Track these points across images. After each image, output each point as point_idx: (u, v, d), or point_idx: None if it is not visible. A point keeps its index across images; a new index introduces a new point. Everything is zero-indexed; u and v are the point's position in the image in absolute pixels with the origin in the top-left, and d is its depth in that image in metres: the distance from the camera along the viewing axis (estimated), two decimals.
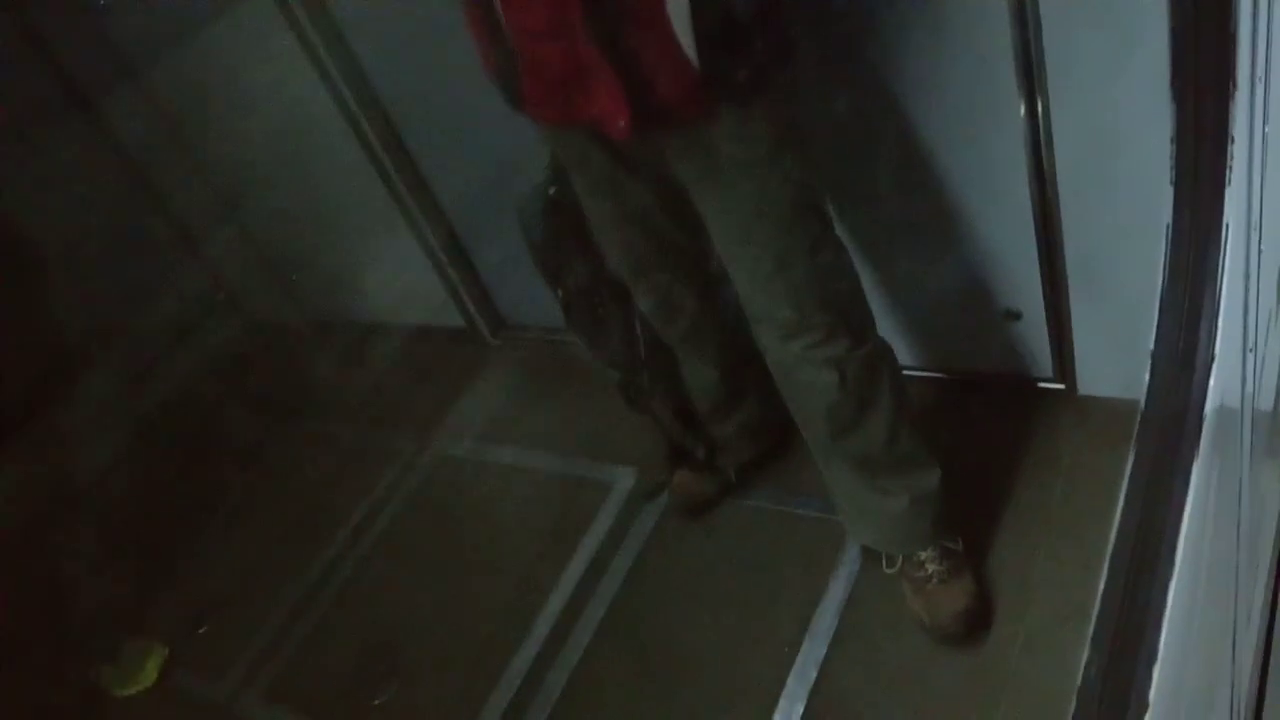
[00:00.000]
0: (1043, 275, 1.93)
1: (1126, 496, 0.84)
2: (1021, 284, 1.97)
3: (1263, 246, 1.02)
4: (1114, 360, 1.96)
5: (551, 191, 1.84)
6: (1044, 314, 1.99)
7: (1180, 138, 0.89)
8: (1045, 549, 1.88)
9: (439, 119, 2.47)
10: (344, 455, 2.84)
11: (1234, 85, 0.85)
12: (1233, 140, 0.87)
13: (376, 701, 2.16)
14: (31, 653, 2.50)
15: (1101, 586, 0.80)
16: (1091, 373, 2.04)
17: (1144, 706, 0.72)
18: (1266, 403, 1.39)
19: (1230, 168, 0.88)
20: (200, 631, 2.52)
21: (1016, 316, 2.03)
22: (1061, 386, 2.10)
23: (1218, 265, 0.90)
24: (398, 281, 2.91)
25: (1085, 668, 0.75)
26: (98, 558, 2.66)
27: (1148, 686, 0.73)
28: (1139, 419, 0.90)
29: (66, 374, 2.73)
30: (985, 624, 1.82)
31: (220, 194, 3.04)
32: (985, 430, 2.13)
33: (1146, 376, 0.93)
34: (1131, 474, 0.86)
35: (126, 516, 2.73)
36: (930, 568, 1.84)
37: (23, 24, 2.75)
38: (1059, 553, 1.86)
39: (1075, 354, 2.03)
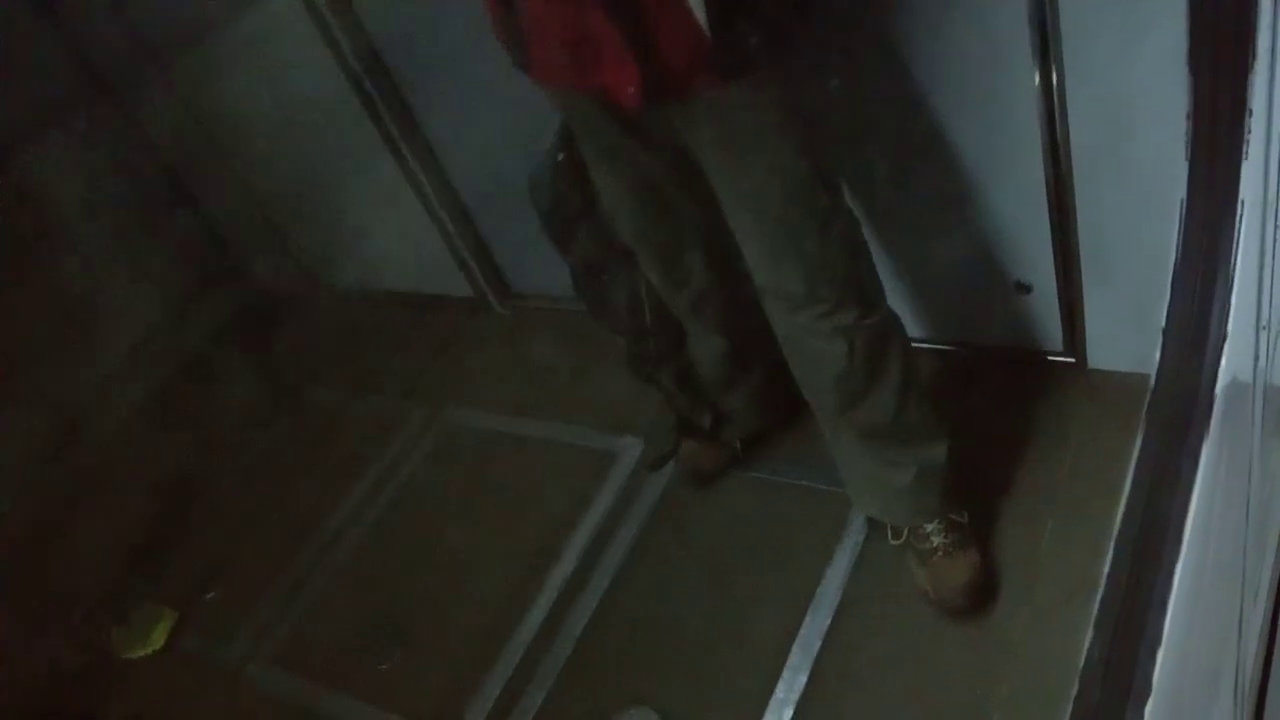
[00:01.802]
0: (1054, 248, 1.91)
1: (1134, 479, 0.83)
2: (1033, 256, 1.95)
3: None
4: (1125, 334, 1.95)
5: (560, 158, 1.82)
6: (1055, 287, 1.98)
7: (1196, 111, 0.87)
8: (1052, 523, 1.87)
9: (448, 86, 2.45)
10: (350, 423, 2.84)
11: (1254, 57, 0.82)
12: (1250, 114, 0.85)
13: (382, 667, 2.17)
14: (41, 613, 2.52)
15: (1106, 569, 0.79)
16: (1102, 346, 2.03)
17: (1147, 690, 0.71)
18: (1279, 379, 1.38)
19: (1248, 142, 0.86)
20: (209, 597, 2.53)
21: (1027, 289, 2.01)
22: (1072, 360, 2.09)
23: (1232, 242, 0.88)
24: (406, 250, 2.90)
25: (1088, 650, 0.75)
26: (106, 520, 2.68)
27: (1151, 670, 0.73)
28: (1148, 399, 0.89)
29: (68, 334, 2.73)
30: (990, 597, 1.82)
31: (228, 161, 3.03)
32: (994, 403, 2.11)
33: (1157, 354, 0.91)
34: (1140, 456, 0.85)
35: (134, 482, 2.75)
36: (936, 540, 1.84)
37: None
38: (1066, 527, 1.85)
39: (1086, 327, 2.01)
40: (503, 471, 2.50)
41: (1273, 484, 1.64)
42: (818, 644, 1.88)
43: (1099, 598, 0.78)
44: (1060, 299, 2.00)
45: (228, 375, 3.06)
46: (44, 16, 2.71)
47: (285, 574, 2.48)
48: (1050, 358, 2.11)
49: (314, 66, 2.50)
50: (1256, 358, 1.01)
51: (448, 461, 2.61)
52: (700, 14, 1.36)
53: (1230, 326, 0.87)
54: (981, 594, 1.81)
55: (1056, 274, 1.95)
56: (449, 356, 2.89)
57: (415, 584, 2.33)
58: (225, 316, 3.21)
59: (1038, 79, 1.68)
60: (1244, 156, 0.87)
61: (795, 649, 1.88)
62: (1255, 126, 0.86)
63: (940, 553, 1.83)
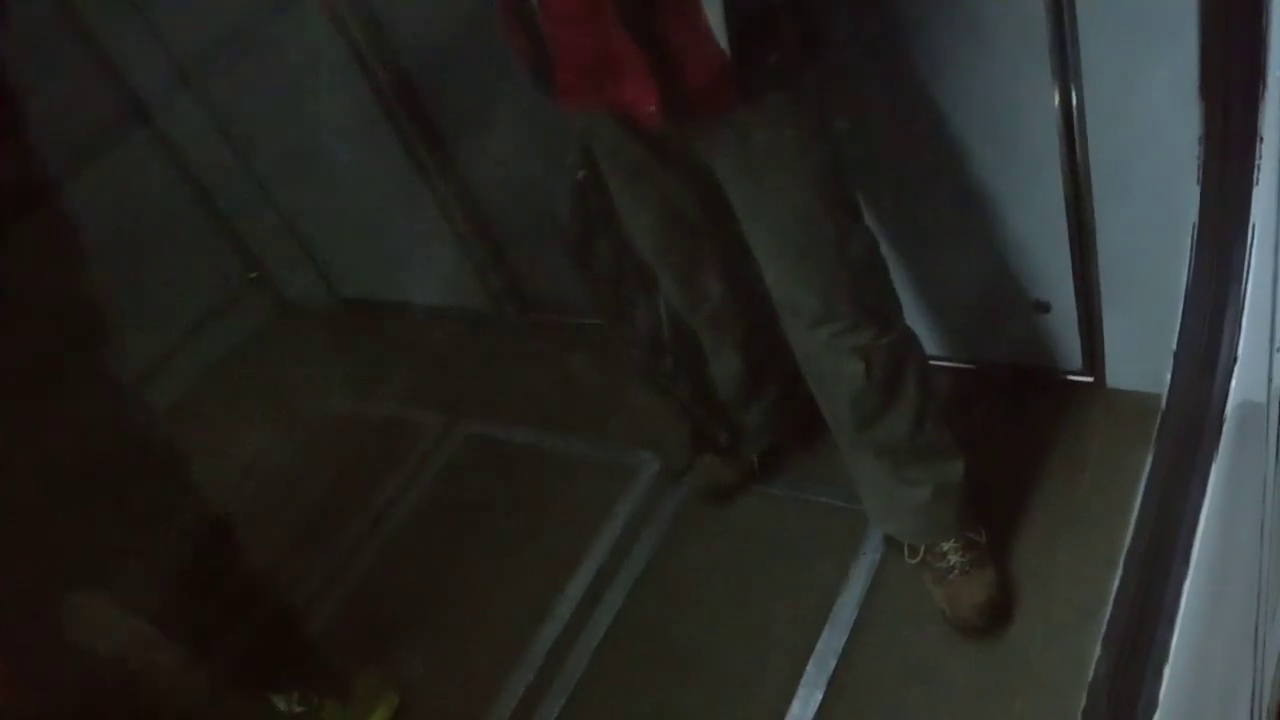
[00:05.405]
0: (1074, 267, 1.91)
1: (1143, 497, 0.84)
2: (1052, 275, 1.96)
3: None
4: (1144, 353, 1.95)
5: (579, 175, 1.84)
6: (1074, 306, 1.98)
7: (1208, 137, 0.88)
8: (1070, 542, 1.87)
9: (471, 102, 2.48)
10: (369, 435, 2.86)
11: (1264, 85, 0.83)
12: (1261, 140, 0.86)
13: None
14: None
15: (1115, 586, 0.80)
16: (1121, 366, 2.03)
17: (1153, 706, 0.72)
18: None
19: (1259, 168, 0.87)
20: None
21: (1046, 308, 2.02)
22: (1090, 379, 2.09)
23: (1243, 266, 0.89)
24: (426, 263, 2.93)
25: (1095, 666, 0.76)
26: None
27: (1158, 686, 0.74)
28: (1159, 420, 0.90)
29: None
30: (1006, 616, 1.82)
31: (252, 174, 3.07)
32: (1012, 421, 2.12)
33: (1168, 376, 0.92)
34: (1149, 475, 0.86)
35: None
36: (953, 559, 1.84)
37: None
38: (1083, 546, 1.85)
39: (1105, 347, 2.02)
40: (521, 484, 2.51)
41: None
42: (833, 661, 1.88)
43: (1108, 614, 0.78)
44: (1079, 318, 2.00)
45: (249, 387, 3.09)
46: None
47: (302, 583, 2.49)
48: (1069, 377, 2.11)
49: (341, 83, 2.53)
50: (1270, 379, 1.01)
51: (465, 474, 2.62)
52: (720, 34, 1.38)
53: (1241, 349, 0.88)
54: (998, 613, 1.81)
55: (1076, 293, 1.96)
56: (467, 369, 2.91)
57: (431, 596, 2.34)
58: (251, 330, 3.24)
59: (1058, 99, 1.69)
60: (1255, 182, 0.88)
61: (811, 666, 1.88)
62: (1266, 153, 0.87)
63: (957, 571, 1.83)
